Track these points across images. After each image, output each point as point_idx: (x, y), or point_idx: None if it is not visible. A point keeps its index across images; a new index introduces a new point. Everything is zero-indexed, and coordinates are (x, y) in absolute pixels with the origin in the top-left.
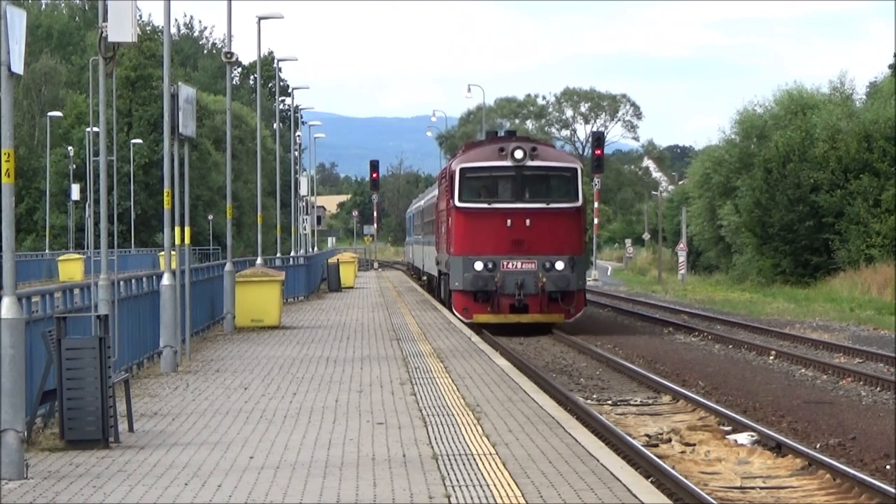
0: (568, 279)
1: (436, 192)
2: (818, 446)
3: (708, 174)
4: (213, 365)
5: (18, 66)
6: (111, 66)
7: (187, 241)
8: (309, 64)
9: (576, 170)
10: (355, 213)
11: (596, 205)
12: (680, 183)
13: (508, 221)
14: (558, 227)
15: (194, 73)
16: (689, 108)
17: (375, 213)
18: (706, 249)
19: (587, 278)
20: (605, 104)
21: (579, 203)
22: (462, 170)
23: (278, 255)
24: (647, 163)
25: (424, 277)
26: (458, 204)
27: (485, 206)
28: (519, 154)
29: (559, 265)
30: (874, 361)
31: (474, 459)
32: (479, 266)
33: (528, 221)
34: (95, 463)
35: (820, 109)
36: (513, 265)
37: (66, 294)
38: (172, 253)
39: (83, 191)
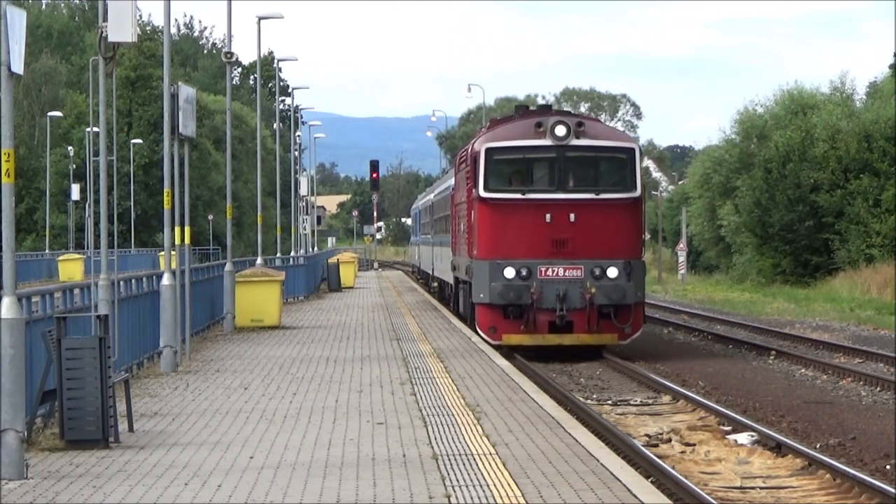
0: (623, 290)
1: (451, 181)
2: (818, 446)
3: (708, 174)
4: (213, 365)
5: (18, 66)
6: (111, 66)
7: (187, 241)
8: (309, 64)
9: (633, 150)
10: (355, 213)
11: None
12: (680, 183)
13: (547, 216)
14: (611, 224)
15: (194, 73)
16: (689, 108)
17: (375, 213)
18: (706, 249)
19: None
20: (605, 104)
21: (637, 193)
22: (489, 150)
23: (278, 255)
24: (647, 163)
25: (435, 284)
26: (483, 194)
27: (518, 196)
28: (561, 131)
29: (612, 272)
30: (874, 361)
31: (474, 459)
32: (510, 273)
33: (572, 216)
34: (95, 463)
35: (820, 109)
36: (553, 272)
37: (66, 294)
38: (172, 253)
39: (83, 191)
